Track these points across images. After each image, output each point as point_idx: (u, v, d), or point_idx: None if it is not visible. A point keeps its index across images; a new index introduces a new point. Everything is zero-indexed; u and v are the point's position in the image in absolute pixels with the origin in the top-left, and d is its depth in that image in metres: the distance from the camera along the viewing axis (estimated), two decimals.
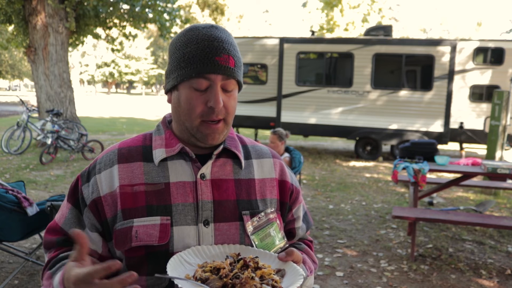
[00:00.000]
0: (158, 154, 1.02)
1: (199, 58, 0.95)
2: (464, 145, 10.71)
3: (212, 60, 0.95)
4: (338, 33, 26.78)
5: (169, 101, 1.05)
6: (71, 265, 0.80)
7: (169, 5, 11.60)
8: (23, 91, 58.25)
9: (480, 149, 12.13)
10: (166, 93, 1.05)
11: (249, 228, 1.01)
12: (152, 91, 68.03)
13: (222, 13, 32.81)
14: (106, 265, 0.75)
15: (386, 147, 12.07)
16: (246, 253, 0.95)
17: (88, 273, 0.75)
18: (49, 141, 8.76)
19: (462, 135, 10.06)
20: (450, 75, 9.83)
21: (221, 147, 1.04)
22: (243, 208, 1.03)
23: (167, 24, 11.71)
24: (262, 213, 1.04)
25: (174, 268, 0.86)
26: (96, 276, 0.75)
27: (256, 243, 1.01)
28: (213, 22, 31.78)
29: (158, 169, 1.01)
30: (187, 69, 0.96)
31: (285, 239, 1.08)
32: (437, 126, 9.99)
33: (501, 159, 6.93)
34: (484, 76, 9.94)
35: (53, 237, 1.04)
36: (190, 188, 1.00)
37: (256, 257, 0.90)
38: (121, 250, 0.97)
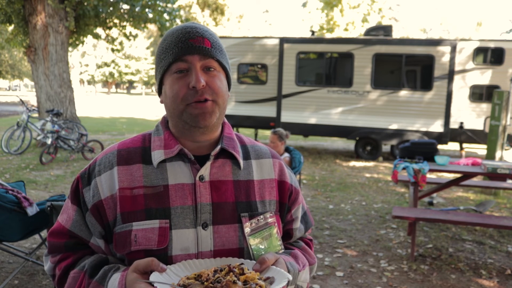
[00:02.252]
0: (157, 156, 1.01)
1: (174, 45, 0.98)
2: (464, 145, 10.71)
3: (186, 43, 0.97)
4: (338, 33, 26.78)
5: (161, 101, 1.05)
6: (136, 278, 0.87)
7: (169, 5, 11.60)
8: (23, 91, 58.24)
9: (480, 149, 12.13)
10: (159, 96, 1.06)
11: (247, 230, 1.00)
12: (152, 91, 67.96)
13: (222, 13, 32.79)
14: None
15: (386, 147, 12.07)
16: None
17: None
18: (49, 141, 8.76)
19: (462, 135, 10.06)
20: (450, 75, 9.82)
21: (219, 147, 1.03)
22: (241, 210, 1.02)
23: (167, 24, 11.71)
24: (261, 216, 1.03)
25: (159, 277, 0.86)
26: None
27: (252, 245, 1.00)
28: (213, 22, 31.46)
29: (157, 171, 1.00)
30: (166, 59, 0.99)
31: (282, 245, 1.07)
32: (437, 126, 9.99)
33: (501, 159, 6.93)
34: (484, 76, 9.94)
35: (60, 240, 1.02)
36: (189, 190, 0.99)
37: (242, 263, 0.89)
38: (121, 253, 0.97)
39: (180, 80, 0.97)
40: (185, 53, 0.97)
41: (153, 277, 0.85)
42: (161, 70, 1.01)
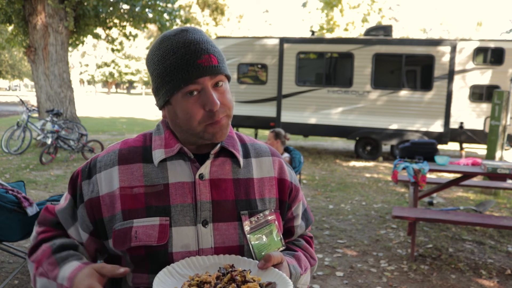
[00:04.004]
0: (158, 155, 1.02)
1: (182, 67, 0.94)
2: (464, 145, 10.71)
3: (195, 65, 0.94)
4: (338, 33, 26.78)
5: (165, 116, 1.04)
6: (90, 273, 0.89)
7: (169, 5, 11.60)
8: (23, 91, 58.23)
9: (480, 149, 12.13)
10: (160, 109, 1.05)
11: (246, 227, 1.01)
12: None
13: (222, 13, 32.80)
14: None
15: (386, 147, 12.07)
16: (240, 265, 0.94)
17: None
18: (49, 141, 8.76)
19: (462, 135, 10.06)
20: (450, 75, 9.82)
21: (219, 146, 1.04)
22: (241, 208, 1.03)
23: (167, 24, 11.70)
24: (261, 214, 1.04)
25: (163, 280, 0.86)
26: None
27: (253, 243, 1.01)
28: (213, 22, 31.48)
29: (158, 170, 1.01)
30: (174, 81, 0.96)
31: (283, 242, 1.08)
32: (437, 126, 9.99)
33: (501, 159, 6.93)
34: (484, 76, 9.94)
35: (49, 216, 1.06)
36: (189, 188, 1.00)
37: (244, 270, 0.89)
38: (121, 249, 0.98)
39: (195, 103, 0.96)
40: (196, 76, 0.95)
41: (157, 281, 0.85)
42: (168, 93, 0.98)
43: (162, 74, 0.97)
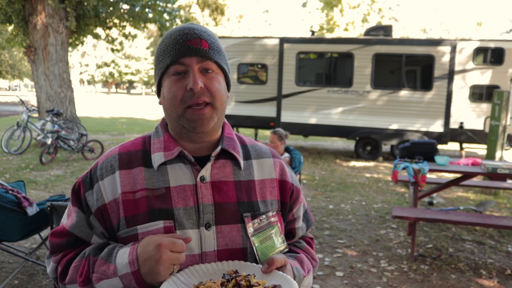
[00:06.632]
0: (157, 158, 1.01)
1: (172, 47, 0.98)
2: (464, 145, 10.71)
3: (184, 45, 0.97)
4: (338, 33, 26.78)
5: (160, 103, 1.05)
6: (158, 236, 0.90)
7: (169, 5, 11.60)
8: (23, 91, 58.22)
9: (480, 149, 12.13)
10: (158, 97, 1.07)
11: (250, 229, 1.01)
12: (152, 91, 67.88)
13: (222, 13, 32.79)
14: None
15: (386, 147, 12.07)
16: (244, 270, 0.93)
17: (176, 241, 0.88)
18: (49, 141, 8.76)
19: (462, 135, 10.06)
20: (450, 75, 9.82)
21: (219, 148, 1.03)
22: (244, 210, 1.02)
23: (167, 24, 11.71)
24: (264, 216, 1.04)
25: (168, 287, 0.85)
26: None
27: (256, 245, 1.00)
28: (213, 22, 31.41)
29: (158, 173, 1.00)
30: (163, 61, 0.99)
31: (285, 243, 1.08)
32: (437, 126, 9.99)
33: (501, 159, 6.93)
34: (484, 76, 9.94)
35: (61, 239, 1.02)
36: (191, 191, 0.99)
37: (249, 274, 0.89)
38: None
39: (178, 82, 0.97)
40: (182, 55, 0.96)
41: None
42: (159, 72, 1.01)
43: (157, 56, 1.03)
